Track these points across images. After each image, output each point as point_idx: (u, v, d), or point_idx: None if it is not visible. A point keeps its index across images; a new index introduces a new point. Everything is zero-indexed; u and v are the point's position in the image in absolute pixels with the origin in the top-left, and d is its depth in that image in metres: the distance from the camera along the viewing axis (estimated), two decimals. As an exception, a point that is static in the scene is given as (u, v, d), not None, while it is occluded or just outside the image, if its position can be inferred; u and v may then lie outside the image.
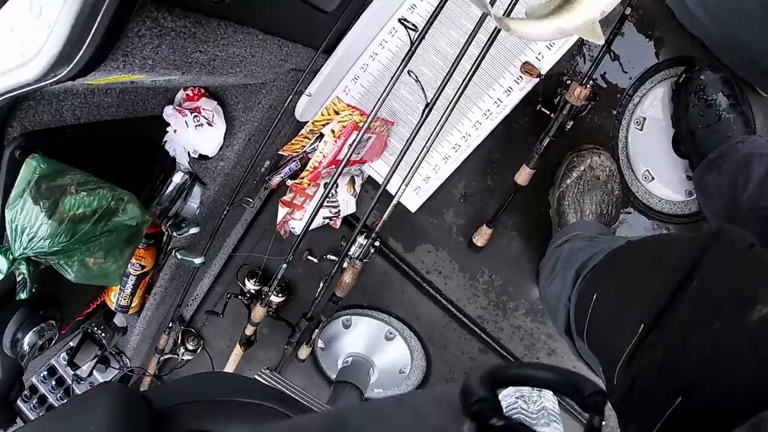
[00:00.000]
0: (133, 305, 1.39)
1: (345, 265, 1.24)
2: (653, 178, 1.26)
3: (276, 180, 1.32)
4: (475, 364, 1.38)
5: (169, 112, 1.13)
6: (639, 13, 1.18)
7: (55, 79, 0.61)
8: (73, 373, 1.43)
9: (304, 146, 1.21)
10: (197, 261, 1.23)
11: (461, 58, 1.00)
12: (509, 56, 1.21)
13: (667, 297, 0.71)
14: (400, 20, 0.98)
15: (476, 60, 0.99)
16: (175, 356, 1.55)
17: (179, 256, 1.25)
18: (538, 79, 1.17)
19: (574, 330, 0.99)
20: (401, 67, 1.01)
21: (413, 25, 0.98)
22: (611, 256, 0.98)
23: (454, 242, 1.31)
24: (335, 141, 1.12)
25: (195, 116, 1.12)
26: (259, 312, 1.34)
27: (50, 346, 1.24)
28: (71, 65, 0.59)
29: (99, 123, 1.03)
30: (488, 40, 0.97)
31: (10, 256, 0.93)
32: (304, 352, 1.40)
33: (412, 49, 1.00)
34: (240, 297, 1.41)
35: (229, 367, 1.45)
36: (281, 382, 1.22)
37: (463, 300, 1.35)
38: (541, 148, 1.13)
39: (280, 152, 1.23)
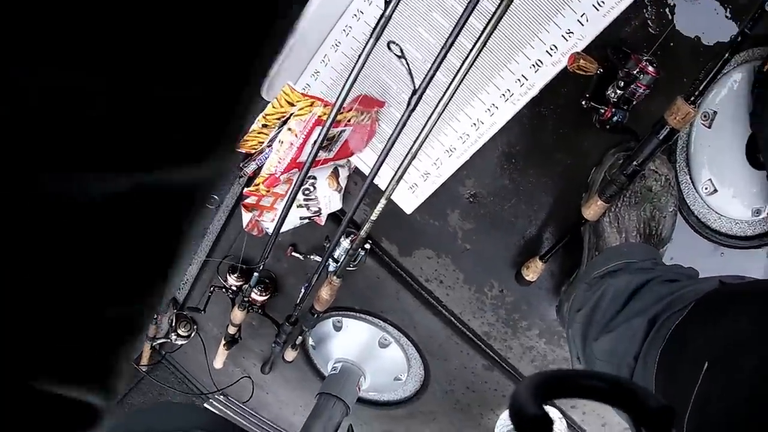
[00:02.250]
0: None
1: (330, 267, 1.02)
2: (716, 190, 0.91)
3: (252, 167, 1.07)
4: (479, 379, 1.15)
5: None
6: None
7: None
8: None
9: (262, 142, 0.94)
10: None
11: (466, 20, 0.68)
12: (540, 16, 0.86)
13: None
14: None
15: (488, 24, 0.67)
16: (169, 340, 1.41)
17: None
18: (596, 75, 0.82)
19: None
20: (372, 37, 0.71)
21: None
22: (714, 307, 0.65)
23: (458, 249, 1.03)
24: (291, 142, 0.85)
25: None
26: (237, 315, 1.14)
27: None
28: None
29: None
30: None
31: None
32: (290, 355, 1.21)
33: (387, 12, 0.69)
34: (224, 291, 1.22)
35: (218, 361, 1.29)
36: (234, 409, 1.05)
37: (467, 314, 1.08)
38: (623, 180, 0.81)
39: (236, 149, 0.97)
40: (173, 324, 1.38)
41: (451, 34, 0.68)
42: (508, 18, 0.84)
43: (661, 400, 0.25)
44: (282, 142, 0.84)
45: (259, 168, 1.06)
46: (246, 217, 0.97)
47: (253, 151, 0.97)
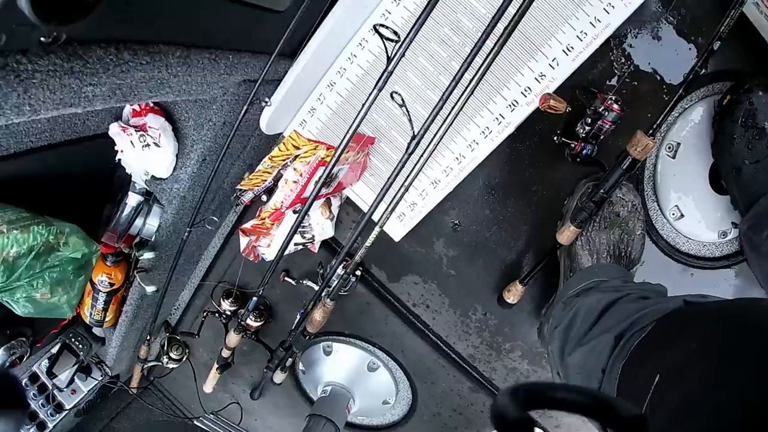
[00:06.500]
0: (107, 319, 1.26)
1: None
2: (683, 215, 1.01)
3: (249, 196, 1.15)
4: (465, 402, 1.22)
5: (114, 131, 0.96)
6: (681, 13, 0.91)
7: None
8: (52, 381, 1.36)
9: (265, 180, 1.02)
10: (149, 290, 1.09)
11: (462, 74, 0.77)
12: (516, 61, 0.97)
13: None
14: (375, 28, 0.76)
15: (478, 72, 0.76)
16: (160, 364, 1.46)
17: (138, 280, 1.13)
18: (565, 113, 0.91)
19: None
20: (376, 89, 0.79)
21: (394, 32, 0.77)
22: (672, 326, 0.74)
23: (444, 275, 1.11)
24: (297, 180, 0.94)
25: (141, 135, 0.94)
26: (233, 338, 1.20)
27: (22, 363, 1.16)
28: None
29: (33, 150, 0.89)
30: (496, 44, 0.74)
31: (-46, 291, 0.83)
32: (279, 377, 1.27)
33: (389, 68, 0.78)
34: (217, 315, 1.29)
35: (209, 385, 1.33)
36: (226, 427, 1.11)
37: (452, 337, 1.16)
38: (591, 207, 0.91)
39: (238, 187, 1.05)
40: (165, 347, 1.43)
41: (451, 83, 0.78)
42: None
43: (633, 408, 0.27)
44: (287, 181, 0.93)
45: (256, 196, 1.14)
46: (243, 241, 1.05)
47: (255, 188, 1.06)
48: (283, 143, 0.93)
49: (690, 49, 0.92)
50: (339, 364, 1.28)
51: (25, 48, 0.55)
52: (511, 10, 0.73)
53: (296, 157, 0.95)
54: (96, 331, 1.37)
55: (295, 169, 0.93)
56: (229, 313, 1.25)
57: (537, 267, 1.02)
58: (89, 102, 0.64)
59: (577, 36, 0.94)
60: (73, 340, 1.32)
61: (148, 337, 1.32)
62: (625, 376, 0.75)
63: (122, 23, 0.60)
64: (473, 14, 0.94)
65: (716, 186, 0.98)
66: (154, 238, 1.07)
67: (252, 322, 1.23)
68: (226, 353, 1.25)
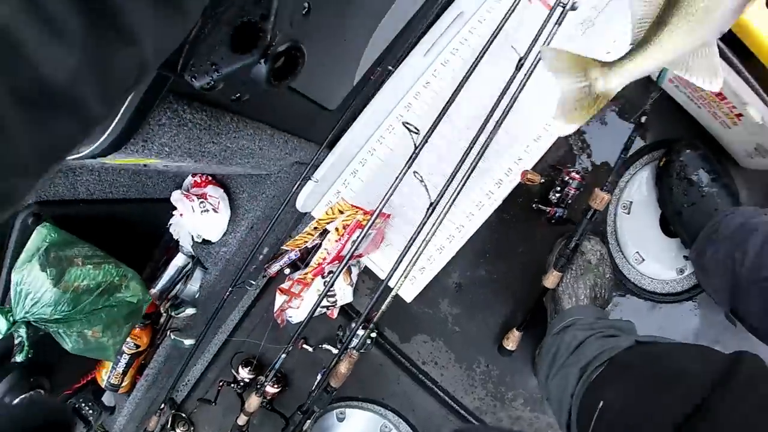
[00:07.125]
0: (123, 384, 1.30)
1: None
2: (644, 260, 1.24)
3: (275, 268, 1.32)
4: (475, 460, 1.29)
5: (176, 197, 1.17)
6: (620, 102, 1.22)
7: (78, 156, 0.62)
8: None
9: (307, 242, 1.23)
10: (186, 342, 1.20)
11: (465, 159, 1.02)
12: (500, 150, 1.26)
13: (678, 423, 0.71)
14: (404, 124, 1.02)
15: (476, 156, 1.01)
16: (162, 443, 1.45)
17: (173, 337, 1.23)
18: (540, 184, 1.18)
19: (574, 428, 0.95)
20: (406, 168, 1.02)
21: (415, 128, 1.03)
22: (619, 362, 0.95)
23: (449, 332, 1.27)
24: (338, 239, 1.15)
25: (201, 202, 1.16)
26: (254, 401, 1.27)
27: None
28: (94, 146, 0.60)
29: (110, 200, 1.06)
30: (488, 137, 1.01)
31: (11, 318, 0.91)
32: (294, 446, 1.32)
33: (416, 152, 1.02)
34: (233, 385, 1.36)
35: (218, 461, 1.36)
36: None
37: (459, 391, 1.27)
38: (568, 253, 1.13)
39: (283, 247, 1.25)
40: (169, 423, 1.44)
41: (458, 164, 1.04)
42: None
43: None
44: (330, 240, 1.13)
45: (281, 269, 1.32)
46: (279, 300, 1.20)
47: (296, 249, 1.24)
48: (331, 208, 1.16)
49: (629, 127, 1.22)
50: (352, 430, 1.34)
51: (216, 102, 0.74)
52: (496, 115, 1.03)
53: (340, 220, 1.16)
54: (105, 399, 1.40)
55: (336, 229, 1.14)
56: (247, 380, 1.33)
57: (528, 313, 1.20)
58: (202, 156, 0.82)
59: (543, 128, 1.25)
60: (83, 404, 1.34)
61: (161, 407, 1.36)
62: (584, 401, 0.95)
63: (246, 102, 0.79)
64: (467, 116, 1.25)
65: (667, 231, 1.23)
66: (197, 295, 1.21)
67: (270, 389, 1.31)
68: (242, 420, 1.29)
